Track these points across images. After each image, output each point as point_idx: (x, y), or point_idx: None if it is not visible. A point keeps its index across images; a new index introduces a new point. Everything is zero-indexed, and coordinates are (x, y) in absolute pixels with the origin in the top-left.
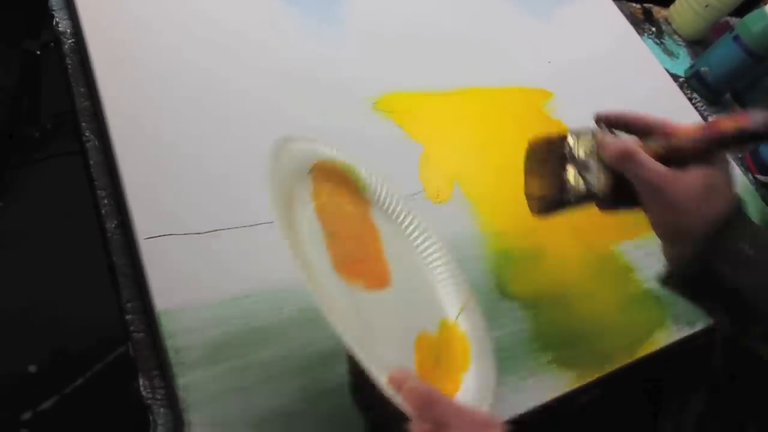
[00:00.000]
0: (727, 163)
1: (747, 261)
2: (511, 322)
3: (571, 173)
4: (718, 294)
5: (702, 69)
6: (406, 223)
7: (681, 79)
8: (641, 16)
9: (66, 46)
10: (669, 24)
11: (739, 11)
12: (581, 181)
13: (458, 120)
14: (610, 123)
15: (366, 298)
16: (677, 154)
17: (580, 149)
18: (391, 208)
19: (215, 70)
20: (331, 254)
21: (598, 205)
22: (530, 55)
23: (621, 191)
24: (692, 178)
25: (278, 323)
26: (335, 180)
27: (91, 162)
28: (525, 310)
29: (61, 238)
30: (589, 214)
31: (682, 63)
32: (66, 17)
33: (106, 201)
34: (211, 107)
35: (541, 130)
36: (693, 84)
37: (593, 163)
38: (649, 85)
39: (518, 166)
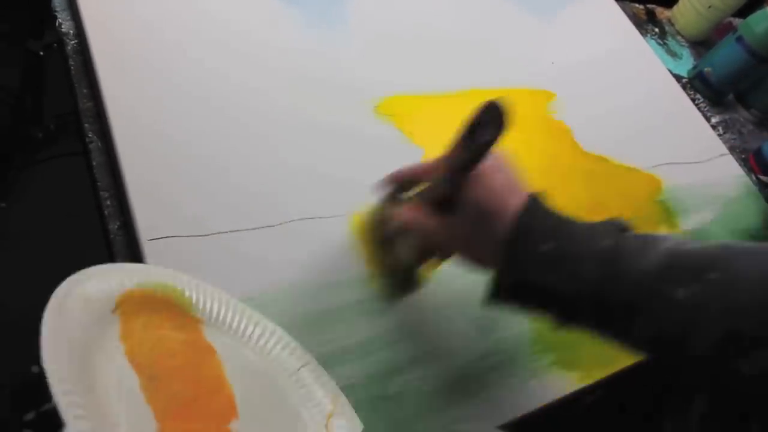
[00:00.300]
0: (482, 177)
1: (548, 258)
2: (513, 323)
3: (399, 245)
4: (534, 298)
5: (705, 70)
6: (249, 330)
7: (684, 80)
8: (644, 17)
9: (69, 47)
10: (672, 25)
11: (743, 12)
12: (405, 251)
13: (460, 123)
14: (398, 183)
15: None
16: (441, 194)
17: (389, 225)
18: (228, 318)
19: (218, 71)
20: (153, 408)
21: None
22: (533, 57)
23: None
24: (461, 217)
25: (282, 325)
26: (150, 308)
27: (94, 163)
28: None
29: (63, 239)
30: (590, 215)
31: (685, 64)
32: (69, 18)
33: (108, 202)
34: (214, 108)
35: (544, 131)
36: (696, 85)
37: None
38: (652, 86)
39: (520, 167)
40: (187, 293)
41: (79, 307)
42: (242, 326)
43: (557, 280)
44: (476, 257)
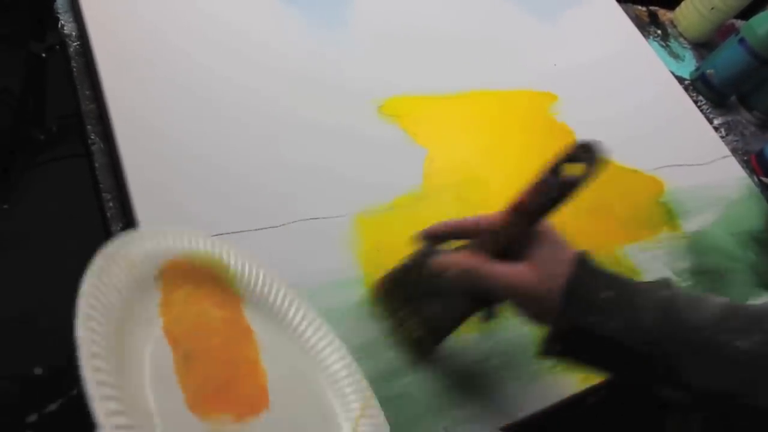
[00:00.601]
0: (551, 232)
1: (609, 305)
2: (515, 325)
3: (428, 306)
4: (595, 348)
5: (707, 71)
6: (290, 315)
7: (686, 82)
8: (647, 19)
9: (71, 49)
10: (674, 27)
11: (745, 14)
12: (442, 310)
13: (463, 124)
14: (434, 239)
15: None
16: (502, 243)
17: (420, 278)
18: (270, 298)
19: (220, 72)
20: (184, 389)
21: (481, 320)
22: (536, 59)
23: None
24: (529, 262)
25: None
26: (194, 280)
27: (96, 164)
28: None
29: (66, 241)
30: (592, 217)
31: (688, 65)
32: (71, 20)
33: (111, 204)
34: (216, 109)
35: (546, 133)
36: (698, 86)
37: (442, 289)
38: (654, 88)
39: (522, 169)
40: (232, 267)
41: (122, 271)
42: (284, 309)
43: (616, 328)
44: (537, 306)
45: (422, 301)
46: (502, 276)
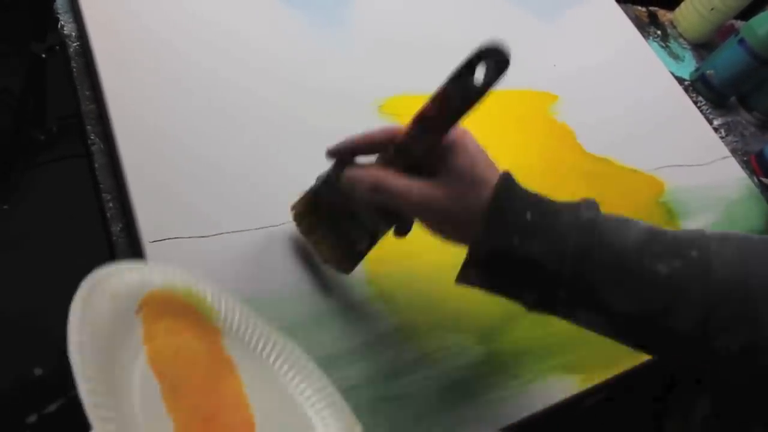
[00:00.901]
0: (470, 146)
1: (533, 228)
2: (515, 326)
3: (345, 222)
4: (514, 269)
5: (707, 72)
6: (267, 350)
7: (686, 82)
8: (646, 20)
9: (71, 50)
10: (674, 27)
11: (745, 14)
12: (358, 226)
13: (463, 123)
14: (341, 154)
15: None
16: (414, 157)
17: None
18: (248, 334)
19: (221, 73)
20: (175, 420)
21: (395, 234)
22: (535, 59)
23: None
24: (443, 181)
25: (284, 327)
26: (173, 313)
27: (96, 165)
28: None
29: (65, 242)
30: None
31: (688, 66)
32: (71, 20)
33: (111, 204)
34: (216, 110)
35: (546, 132)
36: (698, 87)
37: (350, 205)
38: (654, 88)
39: (523, 168)
40: (209, 301)
41: (105, 302)
42: (261, 344)
43: (539, 251)
44: (451, 226)
45: (337, 219)
46: (407, 190)
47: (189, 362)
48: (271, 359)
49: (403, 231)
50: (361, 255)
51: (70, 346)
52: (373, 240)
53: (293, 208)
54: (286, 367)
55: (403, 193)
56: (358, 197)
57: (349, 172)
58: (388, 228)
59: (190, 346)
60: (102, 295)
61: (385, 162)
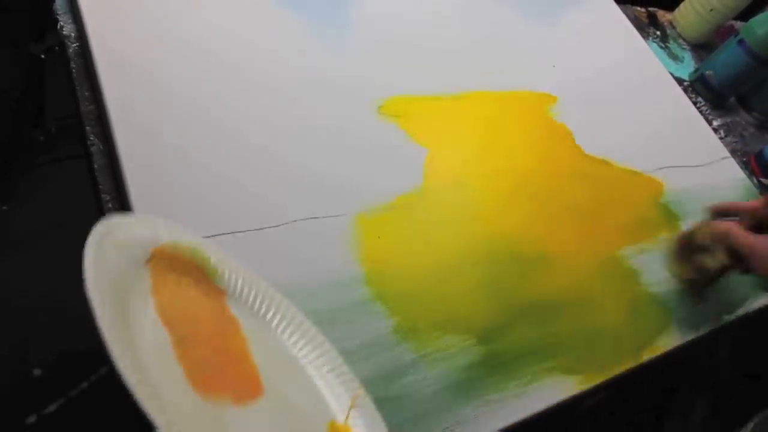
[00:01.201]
0: None
1: None
2: (514, 327)
3: (704, 258)
4: None
5: (707, 72)
6: (270, 314)
7: (685, 83)
8: (646, 20)
9: (70, 50)
10: (673, 28)
11: (744, 15)
12: (711, 261)
13: (463, 124)
14: (719, 212)
15: (238, 417)
16: (761, 221)
17: (699, 238)
18: (251, 297)
19: (220, 74)
20: (185, 367)
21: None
22: (535, 60)
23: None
24: None
25: None
26: (180, 268)
27: (96, 166)
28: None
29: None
30: (592, 219)
31: (687, 67)
32: (70, 21)
33: (110, 205)
34: (216, 111)
35: (545, 134)
36: (697, 87)
37: (713, 246)
38: (653, 89)
39: (522, 169)
40: (213, 261)
41: (114, 251)
42: (264, 308)
43: None
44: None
45: (697, 254)
46: (744, 239)
47: (196, 317)
48: (275, 323)
49: (744, 271)
50: (707, 283)
51: (88, 283)
52: (718, 273)
53: (672, 244)
54: (289, 330)
55: (739, 238)
56: (714, 238)
57: (715, 223)
58: (732, 266)
59: (197, 302)
60: (111, 244)
61: (741, 221)
